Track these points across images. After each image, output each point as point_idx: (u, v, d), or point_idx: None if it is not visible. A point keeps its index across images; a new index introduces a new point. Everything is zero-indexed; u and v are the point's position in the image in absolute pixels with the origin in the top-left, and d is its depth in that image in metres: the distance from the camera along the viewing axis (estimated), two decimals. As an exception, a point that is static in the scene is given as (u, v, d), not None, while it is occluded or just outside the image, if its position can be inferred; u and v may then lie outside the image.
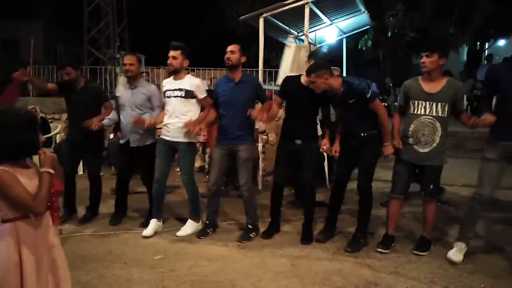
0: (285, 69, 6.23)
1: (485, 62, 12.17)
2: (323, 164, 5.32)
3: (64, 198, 4.20)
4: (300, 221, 4.02)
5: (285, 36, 9.42)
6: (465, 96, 9.87)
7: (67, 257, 2.10)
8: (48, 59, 13.81)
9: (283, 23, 8.79)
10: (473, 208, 3.36)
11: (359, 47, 12.57)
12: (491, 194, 3.29)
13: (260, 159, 5.74)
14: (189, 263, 3.33)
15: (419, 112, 3.40)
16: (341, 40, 11.84)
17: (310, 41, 8.34)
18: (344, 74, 9.59)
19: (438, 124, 3.35)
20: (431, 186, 3.50)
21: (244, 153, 3.79)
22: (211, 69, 10.25)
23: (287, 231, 4.05)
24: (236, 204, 4.74)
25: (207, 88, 4.46)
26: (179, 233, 3.92)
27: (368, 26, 11.26)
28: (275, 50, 12.46)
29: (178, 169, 4.96)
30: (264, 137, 6.31)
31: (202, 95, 3.90)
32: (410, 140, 3.44)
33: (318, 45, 10.19)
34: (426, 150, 3.40)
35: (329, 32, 10.75)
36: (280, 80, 5.76)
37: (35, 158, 2.01)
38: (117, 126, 4.68)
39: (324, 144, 3.74)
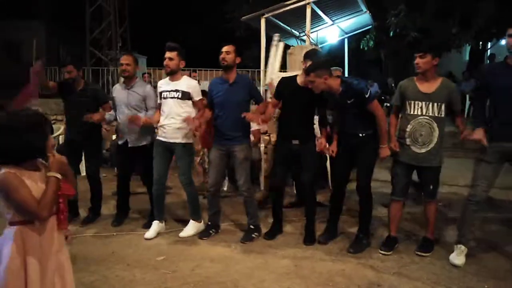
0: (272, 69, 6.17)
1: (488, 61, 12.15)
2: (325, 164, 5.30)
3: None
4: (302, 222, 4.01)
5: (287, 37, 9.42)
6: (467, 96, 9.90)
7: (69, 258, 2.09)
8: (50, 60, 13.84)
9: (284, 24, 8.78)
10: (468, 209, 3.35)
11: (361, 47, 12.55)
12: (486, 194, 3.29)
13: (263, 160, 5.72)
14: (192, 264, 3.33)
15: (416, 113, 3.39)
16: (343, 40, 11.85)
17: (312, 41, 8.34)
18: (346, 75, 9.59)
19: (435, 124, 3.35)
20: (431, 187, 3.49)
21: (240, 153, 3.78)
22: (213, 70, 10.24)
23: (289, 232, 4.05)
24: (236, 205, 4.74)
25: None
26: (182, 234, 3.92)
27: (370, 26, 11.25)
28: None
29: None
30: (266, 137, 6.30)
31: (197, 97, 3.90)
32: (408, 141, 3.43)
33: (320, 45, 10.19)
34: (423, 150, 3.38)
35: (331, 32, 10.75)
36: (268, 80, 5.73)
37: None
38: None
39: (321, 143, 3.73)
